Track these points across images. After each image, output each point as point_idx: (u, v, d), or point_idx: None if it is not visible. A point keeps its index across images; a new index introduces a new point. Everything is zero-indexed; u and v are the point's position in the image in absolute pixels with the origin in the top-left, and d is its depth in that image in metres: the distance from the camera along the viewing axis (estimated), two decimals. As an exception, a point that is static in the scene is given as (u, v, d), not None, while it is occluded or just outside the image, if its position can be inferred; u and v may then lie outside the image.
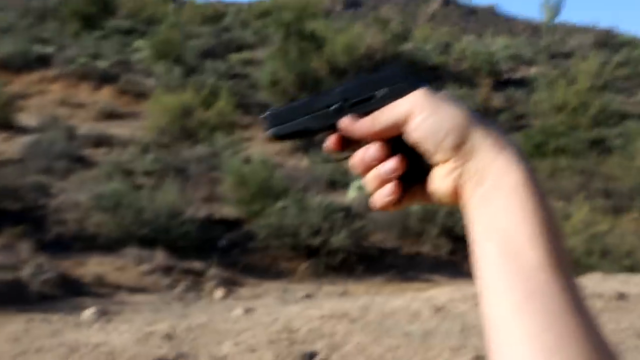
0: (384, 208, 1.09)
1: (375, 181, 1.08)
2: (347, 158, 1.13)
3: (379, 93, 1.08)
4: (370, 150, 1.07)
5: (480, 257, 0.98)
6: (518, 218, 0.95)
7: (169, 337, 6.83)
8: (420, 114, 1.02)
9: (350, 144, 1.12)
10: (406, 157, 1.06)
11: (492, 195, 0.98)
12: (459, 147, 1.00)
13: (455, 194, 1.03)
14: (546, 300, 0.90)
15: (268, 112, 1.18)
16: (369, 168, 1.08)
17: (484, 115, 1.03)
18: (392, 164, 1.06)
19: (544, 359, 0.86)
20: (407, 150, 1.06)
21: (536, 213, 0.95)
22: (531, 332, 0.88)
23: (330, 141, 1.13)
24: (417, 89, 1.05)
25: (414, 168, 1.07)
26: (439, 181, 1.04)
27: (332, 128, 1.13)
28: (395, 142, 1.07)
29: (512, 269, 0.93)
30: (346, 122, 1.09)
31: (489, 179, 0.98)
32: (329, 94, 1.13)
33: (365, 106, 1.09)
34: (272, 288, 13.44)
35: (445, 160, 1.02)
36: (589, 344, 0.87)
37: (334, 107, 1.12)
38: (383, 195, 1.08)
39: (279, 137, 1.18)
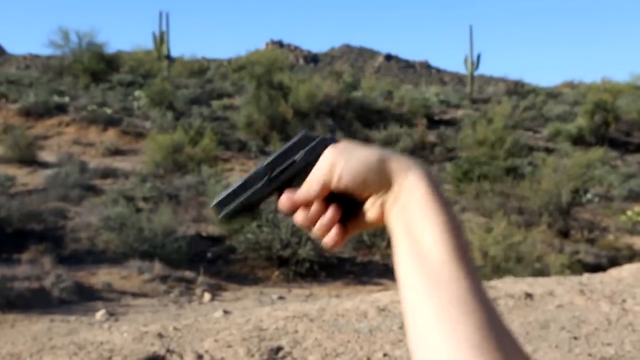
0: (334, 247, 1.09)
1: (321, 230, 1.08)
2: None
3: (298, 156, 1.09)
4: (312, 210, 1.07)
5: (398, 259, 0.99)
6: (425, 223, 0.96)
7: (160, 336, 6.76)
8: (339, 170, 1.02)
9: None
10: (339, 202, 1.06)
11: (406, 207, 0.98)
12: (379, 180, 1.01)
13: (383, 217, 1.04)
14: (450, 286, 0.92)
15: (215, 202, 1.15)
16: (314, 222, 1.08)
17: (389, 149, 1.05)
18: (330, 214, 1.06)
19: (449, 328, 0.89)
20: (337, 196, 1.06)
21: (440, 218, 0.96)
22: (439, 309, 0.90)
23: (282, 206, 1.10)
24: (326, 144, 1.07)
25: (347, 208, 1.07)
26: (370, 211, 1.05)
27: (270, 195, 1.12)
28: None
29: (422, 265, 0.94)
30: (285, 201, 1.09)
31: (403, 196, 0.99)
32: (258, 171, 1.12)
33: (290, 170, 1.09)
34: (250, 292, 13.38)
35: (370, 194, 1.03)
36: (486, 316, 0.90)
37: (264, 179, 1.11)
38: (331, 239, 1.08)
39: (230, 218, 1.15)
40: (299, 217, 1.09)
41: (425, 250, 0.95)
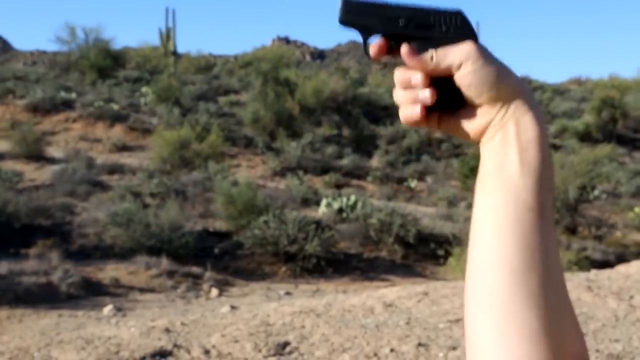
0: (407, 122, 1.06)
1: (407, 99, 1.05)
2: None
3: (440, 28, 1.03)
4: (417, 78, 1.03)
5: (482, 187, 0.99)
6: (524, 167, 0.96)
7: (167, 330, 6.77)
8: (472, 64, 0.99)
9: (389, 52, 1.07)
10: (438, 90, 1.03)
11: (510, 143, 0.98)
12: (498, 99, 0.99)
13: (480, 134, 1.02)
14: (526, 234, 0.92)
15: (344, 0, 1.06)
16: (407, 87, 1.05)
17: (516, 74, 1.02)
18: (427, 94, 1.02)
19: (509, 276, 0.90)
20: (440, 84, 1.03)
21: (539, 167, 0.96)
22: (506, 252, 0.92)
23: (376, 48, 1.05)
24: (469, 37, 1.02)
25: (443, 100, 1.03)
26: (471, 119, 1.03)
27: (389, 35, 1.06)
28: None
29: (508, 204, 0.95)
30: (406, 53, 1.03)
31: (511, 128, 0.98)
32: (401, 8, 1.05)
33: (424, 32, 1.04)
34: (257, 287, 13.39)
35: (480, 105, 1.01)
36: (546, 277, 0.91)
37: (402, 21, 1.05)
38: (411, 113, 1.04)
39: (345, 24, 1.06)
40: (402, 75, 1.06)
41: (517, 192, 0.96)
